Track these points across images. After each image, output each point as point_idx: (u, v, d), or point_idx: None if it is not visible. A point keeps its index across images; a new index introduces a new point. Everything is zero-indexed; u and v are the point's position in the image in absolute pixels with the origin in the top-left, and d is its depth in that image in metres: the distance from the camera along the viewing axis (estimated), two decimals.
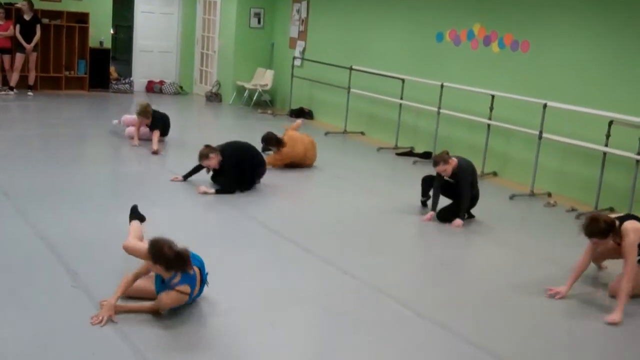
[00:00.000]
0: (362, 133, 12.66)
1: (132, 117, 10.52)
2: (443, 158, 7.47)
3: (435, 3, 11.27)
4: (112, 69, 15.64)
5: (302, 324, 4.91)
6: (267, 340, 4.54)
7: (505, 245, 7.10)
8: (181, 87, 16.33)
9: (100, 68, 15.14)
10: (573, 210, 8.49)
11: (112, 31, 15.51)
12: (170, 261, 4.52)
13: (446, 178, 7.54)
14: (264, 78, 15.09)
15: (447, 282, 5.99)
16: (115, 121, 11.03)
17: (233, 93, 15.25)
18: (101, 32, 15.13)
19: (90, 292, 4.94)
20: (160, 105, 14.17)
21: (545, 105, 8.86)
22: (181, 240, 4.69)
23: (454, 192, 7.62)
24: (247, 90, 15.05)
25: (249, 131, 12.54)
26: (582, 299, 5.71)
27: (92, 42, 14.98)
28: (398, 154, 11.18)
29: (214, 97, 15.53)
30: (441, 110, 10.52)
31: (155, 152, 9.62)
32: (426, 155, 10.89)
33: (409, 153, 11.23)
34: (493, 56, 10.26)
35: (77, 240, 6.01)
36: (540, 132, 8.91)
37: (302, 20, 14.41)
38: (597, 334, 5.14)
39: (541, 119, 8.89)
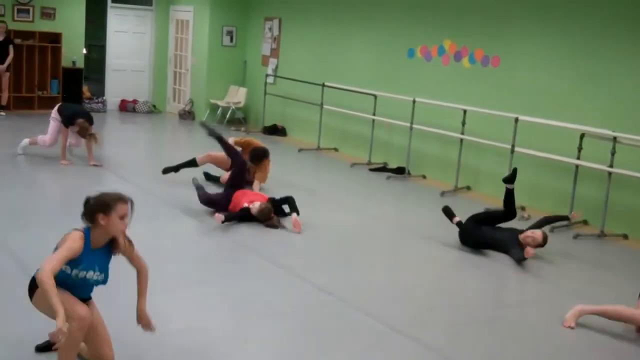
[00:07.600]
0: (336, 149, 12.70)
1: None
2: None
3: (405, 19, 11.38)
4: (85, 88, 15.58)
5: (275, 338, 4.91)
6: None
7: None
8: (154, 106, 16.28)
9: (73, 87, 15.09)
10: None
11: (84, 51, 15.45)
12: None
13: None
14: (237, 96, 15.10)
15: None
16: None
17: (206, 111, 15.24)
18: (74, 52, 15.10)
19: None
20: (134, 124, 14.20)
21: (516, 119, 8.96)
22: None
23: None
24: (220, 108, 15.06)
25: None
26: None
27: (65, 62, 14.95)
28: (371, 170, 11.24)
29: (187, 115, 15.51)
30: (414, 126, 10.59)
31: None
32: (399, 171, 10.96)
33: (383, 168, 11.29)
34: (464, 71, 10.36)
35: None
36: (513, 146, 9.00)
37: (274, 38, 14.47)
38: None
39: (513, 133, 8.98)
